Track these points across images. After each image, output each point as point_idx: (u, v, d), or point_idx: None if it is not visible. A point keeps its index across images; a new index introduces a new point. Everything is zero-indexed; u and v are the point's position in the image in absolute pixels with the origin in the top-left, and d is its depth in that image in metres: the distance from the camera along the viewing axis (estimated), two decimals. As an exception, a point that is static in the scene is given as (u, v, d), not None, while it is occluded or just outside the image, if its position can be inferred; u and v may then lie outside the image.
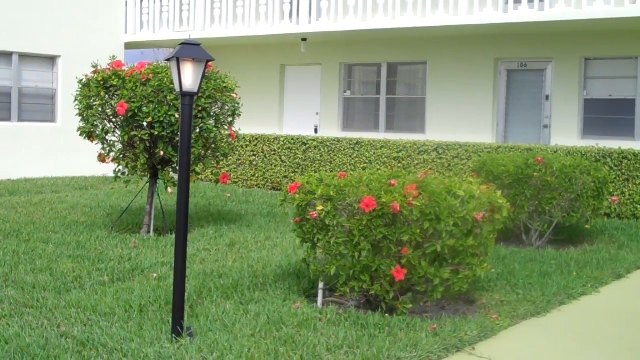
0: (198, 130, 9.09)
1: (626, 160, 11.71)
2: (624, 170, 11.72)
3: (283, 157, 15.15)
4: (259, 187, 15.41)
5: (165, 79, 8.77)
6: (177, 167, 5.59)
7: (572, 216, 9.18)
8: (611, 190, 11.51)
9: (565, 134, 14.26)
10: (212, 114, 9.19)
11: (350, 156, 14.34)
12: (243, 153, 15.71)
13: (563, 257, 8.42)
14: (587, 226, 9.41)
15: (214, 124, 9.19)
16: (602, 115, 14.21)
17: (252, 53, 18.66)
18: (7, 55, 16.19)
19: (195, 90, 5.12)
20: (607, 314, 6.38)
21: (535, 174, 9.00)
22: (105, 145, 9.14)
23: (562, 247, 9.26)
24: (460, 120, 15.53)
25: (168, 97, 8.76)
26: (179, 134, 5.28)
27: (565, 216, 9.18)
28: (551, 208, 9.08)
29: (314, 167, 14.68)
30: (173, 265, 5.30)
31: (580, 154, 11.87)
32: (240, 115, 9.58)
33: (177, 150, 8.51)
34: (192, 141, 8.92)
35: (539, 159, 9.17)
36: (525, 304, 6.33)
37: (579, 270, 7.76)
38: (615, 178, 11.72)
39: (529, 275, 7.39)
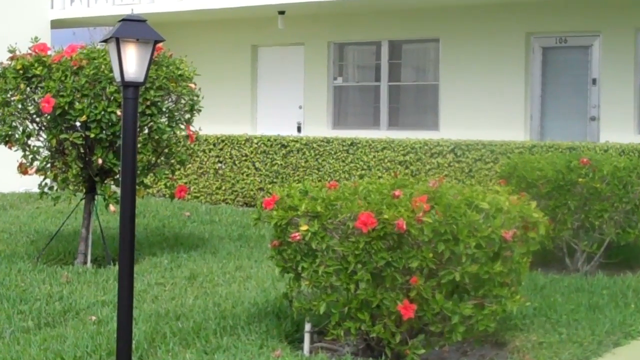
0: (147, 131, 9.09)
1: (696, 160, 11.77)
2: (693, 173, 11.78)
3: (257, 164, 15.17)
4: (226, 203, 15.41)
5: (103, 66, 8.78)
6: (120, 179, 5.59)
7: (629, 232, 9.22)
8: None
9: (618, 127, 14.33)
10: (164, 109, 9.21)
11: (343, 161, 14.37)
12: (206, 159, 15.72)
13: (618, 285, 8.46)
14: (647, 245, 9.47)
15: (167, 123, 9.20)
16: (665, 103, 14.31)
17: (215, 31, 18.69)
18: None
19: (141, 79, 5.14)
20: (674, 357, 6.42)
21: (580, 179, 9.04)
22: (28, 153, 9.14)
23: (616, 272, 9.29)
24: (483, 113, 15.58)
25: (107, 90, 8.77)
26: (121, 136, 5.28)
27: (620, 233, 9.22)
28: (601, 223, 9.11)
29: (297, 175, 14.70)
30: (117, 305, 5.29)
31: (637, 152, 11.94)
32: (200, 110, 9.60)
33: (119, 157, 8.51)
34: (139, 145, 9.00)
35: (585, 160, 9.21)
36: (570, 346, 6.36)
37: (639, 301, 7.80)
38: (683, 183, 11.77)
39: (575, 310, 7.41)
